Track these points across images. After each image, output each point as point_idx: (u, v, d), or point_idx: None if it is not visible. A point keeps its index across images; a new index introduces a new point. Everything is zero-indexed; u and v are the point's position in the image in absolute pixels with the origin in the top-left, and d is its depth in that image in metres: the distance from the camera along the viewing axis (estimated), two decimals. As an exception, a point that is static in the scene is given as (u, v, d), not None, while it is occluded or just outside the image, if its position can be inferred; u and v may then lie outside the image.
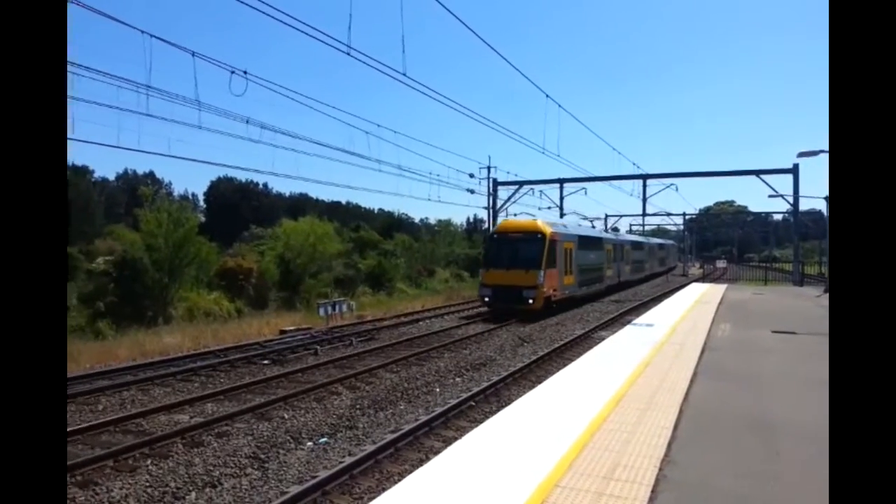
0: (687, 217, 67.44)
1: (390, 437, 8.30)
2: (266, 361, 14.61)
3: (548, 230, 22.58)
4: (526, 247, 22.21)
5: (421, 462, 7.16)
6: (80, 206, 38.88)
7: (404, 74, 13.78)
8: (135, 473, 7.37)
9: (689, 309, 19.42)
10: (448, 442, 7.73)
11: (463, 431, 8.22)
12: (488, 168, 37.33)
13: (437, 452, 7.00)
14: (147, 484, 7.03)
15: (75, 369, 14.27)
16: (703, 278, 50.85)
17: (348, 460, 7.41)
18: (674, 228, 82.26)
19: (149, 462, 7.75)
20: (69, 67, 12.93)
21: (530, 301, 21.43)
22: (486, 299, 22.75)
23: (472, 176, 35.47)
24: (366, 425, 9.39)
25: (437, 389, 11.68)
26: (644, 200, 34.53)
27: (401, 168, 31.28)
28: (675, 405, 7.23)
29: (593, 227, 36.86)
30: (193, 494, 6.86)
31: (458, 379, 12.57)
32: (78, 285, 25.55)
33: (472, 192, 35.47)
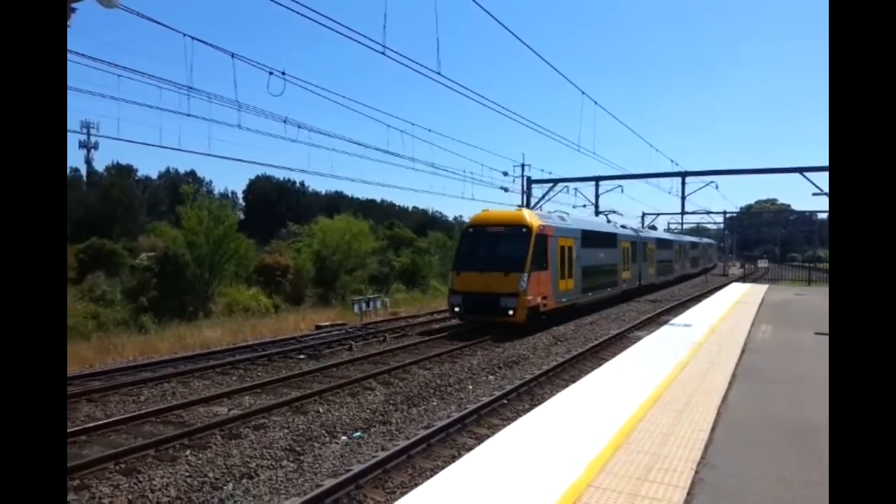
0: (727, 215, 65.67)
1: (423, 433, 8.34)
2: (302, 356, 14.86)
3: (535, 222, 18.43)
4: (506, 243, 18.07)
5: (453, 458, 7.18)
6: (125, 203, 40.13)
7: (438, 73, 13.80)
8: (175, 463, 7.58)
9: (729, 309, 18.96)
10: (480, 439, 7.72)
11: (495, 429, 8.20)
12: (522, 166, 37.04)
13: (469, 449, 7.01)
14: (187, 474, 7.22)
15: (120, 361, 14.81)
16: (743, 278, 49.55)
17: (381, 455, 7.48)
18: (714, 227, 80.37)
19: (188, 452, 7.96)
20: (114, 70, 13.35)
21: (510, 312, 17.11)
22: (456, 309, 18.33)
23: (505, 174, 35.22)
24: (399, 421, 9.47)
25: (470, 387, 11.69)
26: (683, 198, 33.63)
27: (434, 166, 31.39)
28: (712, 407, 7.08)
29: (608, 220, 32.28)
30: (231, 485, 7.02)
31: (490, 377, 12.56)
32: (122, 280, 26.42)
33: (505, 190, 35.27)
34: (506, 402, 10.32)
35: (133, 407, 10.32)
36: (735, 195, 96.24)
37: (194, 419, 9.52)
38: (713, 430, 6.24)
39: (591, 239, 23.69)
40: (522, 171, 36.92)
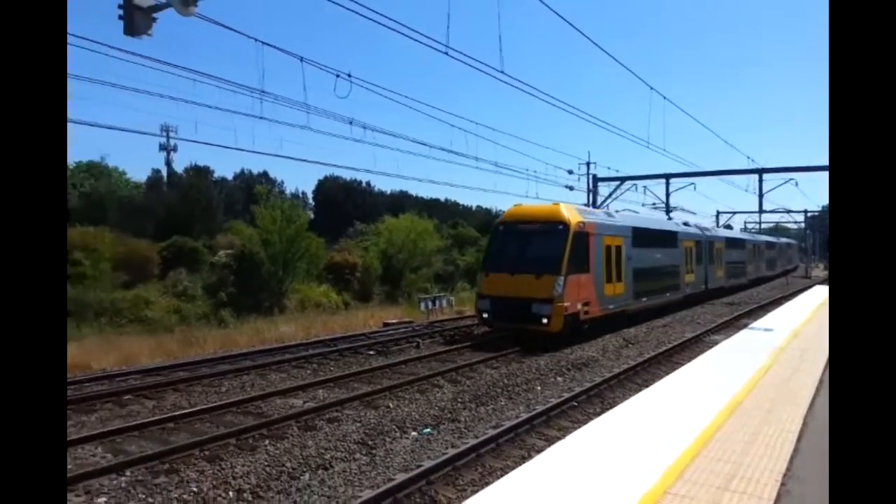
0: (808, 214, 61.94)
1: (492, 432, 8.37)
2: (371, 352, 15.22)
3: (573, 218, 16.20)
4: (539, 242, 16.06)
5: (523, 459, 7.17)
6: (203, 204, 42.11)
7: (502, 72, 13.77)
8: (255, 452, 7.94)
9: (813, 312, 17.96)
10: (550, 441, 7.68)
11: (566, 431, 8.13)
12: (587, 164, 36.30)
13: (539, 451, 6.98)
14: (266, 463, 7.53)
15: (202, 354, 15.63)
16: (828, 280, 46.65)
17: (451, 452, 7.56)
18: (794, 226, 76.11)
19: (267, 442, 8.31)
20: (190, 75, 14.03)
21: (543, 320, 15.17)
22: (484, 315, 16.62)
23: (570, 172, 34.63)
24: (467, 419, 9.53)
25: (538, 387, 11.61)
26: (760, 196, 32.03)
27: (498, 165, 31.23)
28: (798, 416, 6.74)
29: (670, 218, 29.35)
30: (307, 475, 7.28)
31: (559, 378, 12.42)
32: (203, 276, 27.82)
33: (570, 188, 34.68)
34: (575, 404, 10.19)
35: (215, 397, 10.87)
36: (817, 193, 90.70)
37: (272, 410, 9.94)
38: (799, 439, 5.95)
39: (646, 237, 21.08)
40: (588, 168, 36.21)
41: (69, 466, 7.51)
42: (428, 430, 8.96)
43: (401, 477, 6.82)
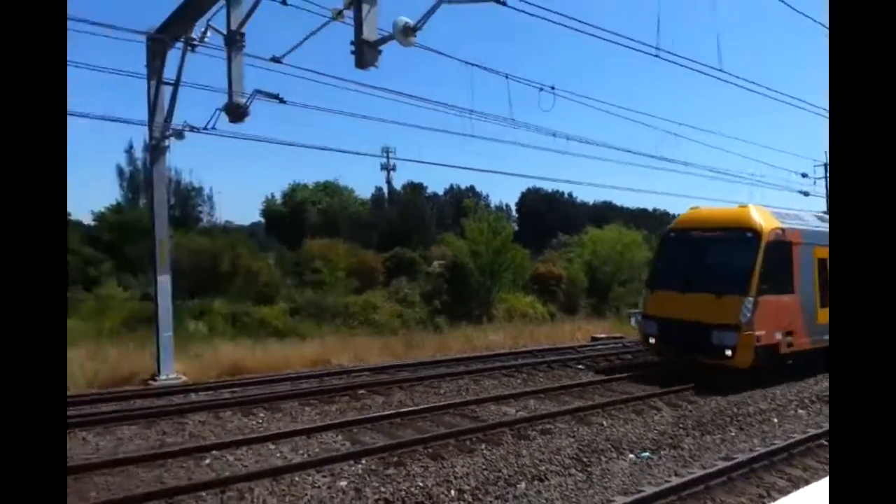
0: None
1: (722, 464, 7.63)
2: (581, 366, 14.97)
3: (767, 224, 12.98)
4: (720, 254, 13.19)
5: (761, 498, 6.43)
6: (418, 217, 45.47)
7: (720, 70, 12.69)
8: (473, 455, 8.26)
9: None
10: (795, 482, 6.77)
11: (814, 473, 7.11)
12: (825, 166, 31.72)
13: (781, 491, 6.19)
14: (483, 466, 7.79)
15: (421, 356, 16.85)
16: None
17: (675, 480, 7.07)
18: None
19: (483, 446, 8.61)
20: (407, 100, 15.15)
21: (727, 352, 12.31)
22: (651, 340, 14.16)
23: (804, 176, 30.52)
24: (691, 447, 8.83)
25: (775, 420, 10.32)
26: None
27: (713, 170, 28.63)
28: None
29: None
30: (523, 484, 7.36)
31: (801, 411, 10.91)
32: (420, 284, 30.02)
33: (806, 194, 30.53)
34: (824, 442, 8.83)
35: (434, 398, 11.61)
36: None
37: (486, 415, 10.30)
38: None
39: None
40: (825, 171, 31.89)
41: (316, 450, 8.60)
42: (646, 454, 8.50)
43: (620, 500, 6.57)
